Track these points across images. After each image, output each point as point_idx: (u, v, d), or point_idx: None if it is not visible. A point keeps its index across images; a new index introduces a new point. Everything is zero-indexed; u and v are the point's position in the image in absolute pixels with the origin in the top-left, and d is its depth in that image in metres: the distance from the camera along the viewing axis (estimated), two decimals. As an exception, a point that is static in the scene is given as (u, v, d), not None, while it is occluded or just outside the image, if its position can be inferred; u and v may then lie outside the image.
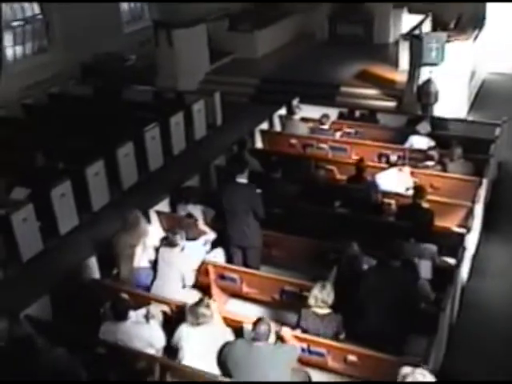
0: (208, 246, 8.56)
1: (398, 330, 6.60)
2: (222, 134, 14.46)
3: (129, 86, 15.45)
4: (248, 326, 6.50)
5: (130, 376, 5.95)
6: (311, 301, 6.65)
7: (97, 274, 8.04)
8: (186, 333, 6.42)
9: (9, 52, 15.85)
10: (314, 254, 8.08)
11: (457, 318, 8.03)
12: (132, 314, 6.68)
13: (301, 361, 6.55)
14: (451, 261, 7.86)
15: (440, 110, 13.30)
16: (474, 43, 14.64)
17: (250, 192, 8.19)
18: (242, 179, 8.21)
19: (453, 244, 8.03)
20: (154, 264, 7.96)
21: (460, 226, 8.91)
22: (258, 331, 6.06)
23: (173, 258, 7.77)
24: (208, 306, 6.43)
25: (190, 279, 7.80)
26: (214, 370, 6.31)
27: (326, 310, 6.67)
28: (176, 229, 8.11)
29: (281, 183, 9.68)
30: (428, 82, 13.28)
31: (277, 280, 7.71)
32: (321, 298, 6.62)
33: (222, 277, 7.92)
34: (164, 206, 9.47)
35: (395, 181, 9.62)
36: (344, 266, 7.55)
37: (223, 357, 6.23)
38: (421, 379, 5.03)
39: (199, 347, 6.36)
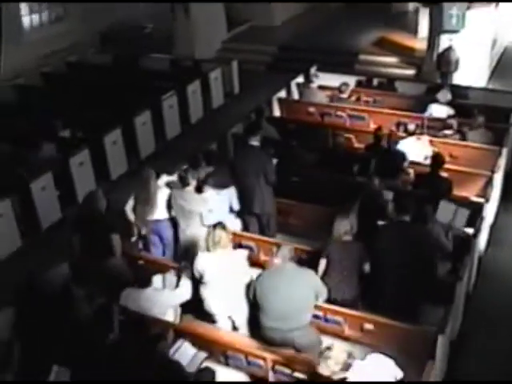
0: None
1: (415, 294, 6.60)
2: (239, 102, 14.40)
3: (146, 55, 15.39)
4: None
5: (143, 342, 6.01)
6: (333, 233, 6.94)
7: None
8: (205, 259, 6.55)
9: (25, 21, 15.85)
10: (330, 222, 8.04)
11: (474, 288, 8.03)
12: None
13: (318, 328, 6.58)
14: (469, 230, 7.82)
15: (460, 78, 13.14)
16: (496, 10, 14.34)
17: (261, 154, 8.23)
18: (255, 142, 8.25)
19: (471, 213, 7.99)
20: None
21: (479, 195, 8.86)
22: (281, 252, 6.31)
23: (187, 200, 7.68)
24: (224, 228, 6.58)
25: (208, 219, 7.62)
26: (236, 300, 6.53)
27: (349, 238, 6.90)
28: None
29: (298, 151, 9.65)
30: (448, 49, 13.10)
31: (293, 248, 7.69)
32: (339, 230, 6.87)
33: (239, 245, 7.93)
34: (181, 174, 9.45)
35: (413, 149, 9.55)
36: (366, 200, 7.72)
37: (253, 286, 6.35)
38: (332, 357, 5.17)
39: (220, 273, 6.48)
